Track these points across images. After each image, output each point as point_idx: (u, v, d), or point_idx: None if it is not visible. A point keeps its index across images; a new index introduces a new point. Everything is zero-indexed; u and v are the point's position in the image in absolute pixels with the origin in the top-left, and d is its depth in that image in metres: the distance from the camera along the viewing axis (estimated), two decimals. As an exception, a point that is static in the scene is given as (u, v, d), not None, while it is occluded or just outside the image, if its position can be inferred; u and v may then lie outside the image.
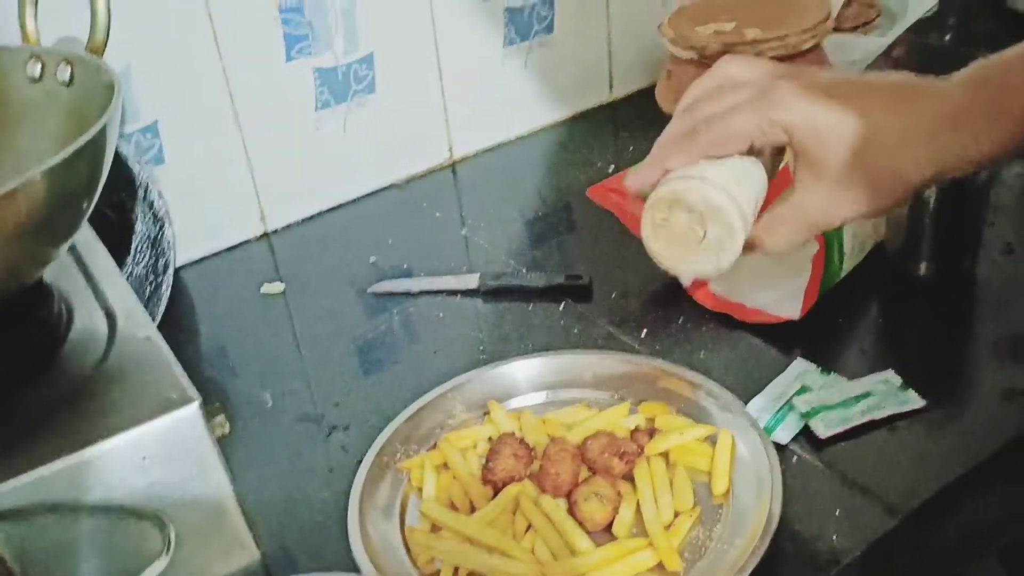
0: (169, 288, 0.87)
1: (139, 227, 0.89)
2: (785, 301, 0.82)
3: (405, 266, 0.99)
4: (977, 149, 0.54)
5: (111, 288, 0.67)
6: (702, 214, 0.56)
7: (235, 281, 1.00)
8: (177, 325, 0.92)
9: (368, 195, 1.12)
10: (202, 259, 1.04)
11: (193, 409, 0.56)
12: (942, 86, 0.55)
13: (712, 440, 0.70)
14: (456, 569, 0.63)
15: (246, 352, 0.89)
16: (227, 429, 0.65)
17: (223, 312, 0.96)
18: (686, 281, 0.86)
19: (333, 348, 0.88)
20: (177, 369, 0.59)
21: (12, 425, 0.55)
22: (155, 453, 0.54)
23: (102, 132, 0.56)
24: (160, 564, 0.54)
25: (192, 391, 0.57)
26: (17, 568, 0.50)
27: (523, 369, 0.78)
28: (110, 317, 0.64)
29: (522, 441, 0.70)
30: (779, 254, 0.59)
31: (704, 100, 0.59)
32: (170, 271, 0.89)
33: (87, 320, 0.64)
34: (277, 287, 0.97)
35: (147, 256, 0.88)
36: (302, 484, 0.72)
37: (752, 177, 0.58)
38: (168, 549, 0.54)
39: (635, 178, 0.59)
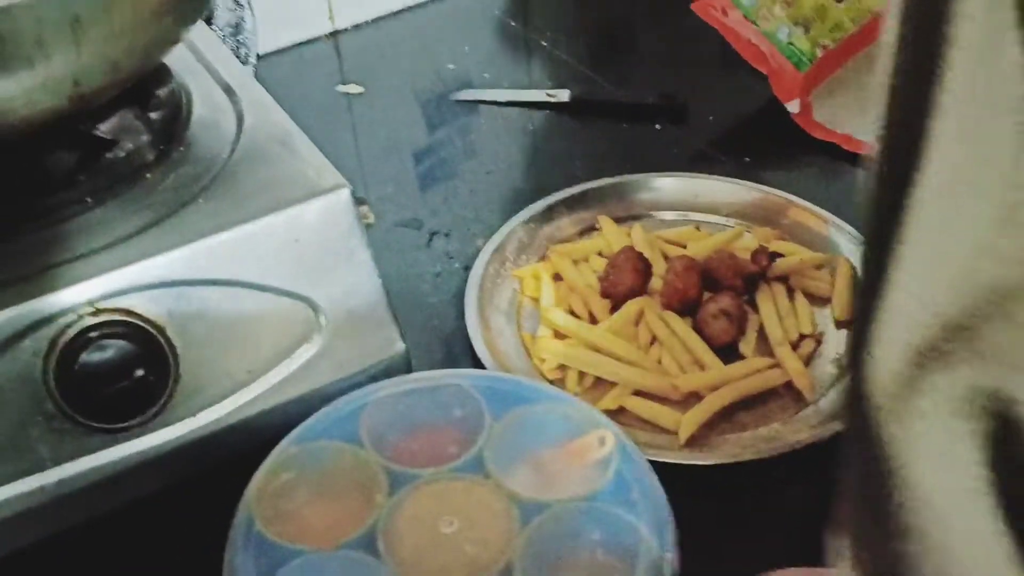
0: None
1: (220, 12, 0.84)
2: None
3: (486, 75, 0.95)
4: None
5: (229, 74, 0.63)
6: None
7: (307, 81, 0.95)
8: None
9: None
10: (265, 55, 0.99)
11: (345, 195, 0.54)
12: None
13: (831, 268, 0.69)
14: (581, 376, 0.63)
15: (329, 154, 0.85)
16: (371, 219, 0.63)
17: (299, 112, 0.91)
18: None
19: (422, 155, 0.85)
20: (320, 156, 0.56)
21: (160, 198, 0.53)
22: (308, 237, 0.52)
23: None
24: (312, 346, 0.53)
25: (341, 178, 0.54)
26: (178, 343, 0.49)
27: (633, 188, 0.76)
28: (235, 103, 0.61)
29: (642, 256, 0.68)
30: None
31: None
32: (252, 62, 0.84)
33: (210, 103, 0.61)
34: (356, 88, 0.93)
35: (230, 45, 0.83)
36: (411, 287, 0.71)
37: None
38: (320, 332, 0.53)
39: None
